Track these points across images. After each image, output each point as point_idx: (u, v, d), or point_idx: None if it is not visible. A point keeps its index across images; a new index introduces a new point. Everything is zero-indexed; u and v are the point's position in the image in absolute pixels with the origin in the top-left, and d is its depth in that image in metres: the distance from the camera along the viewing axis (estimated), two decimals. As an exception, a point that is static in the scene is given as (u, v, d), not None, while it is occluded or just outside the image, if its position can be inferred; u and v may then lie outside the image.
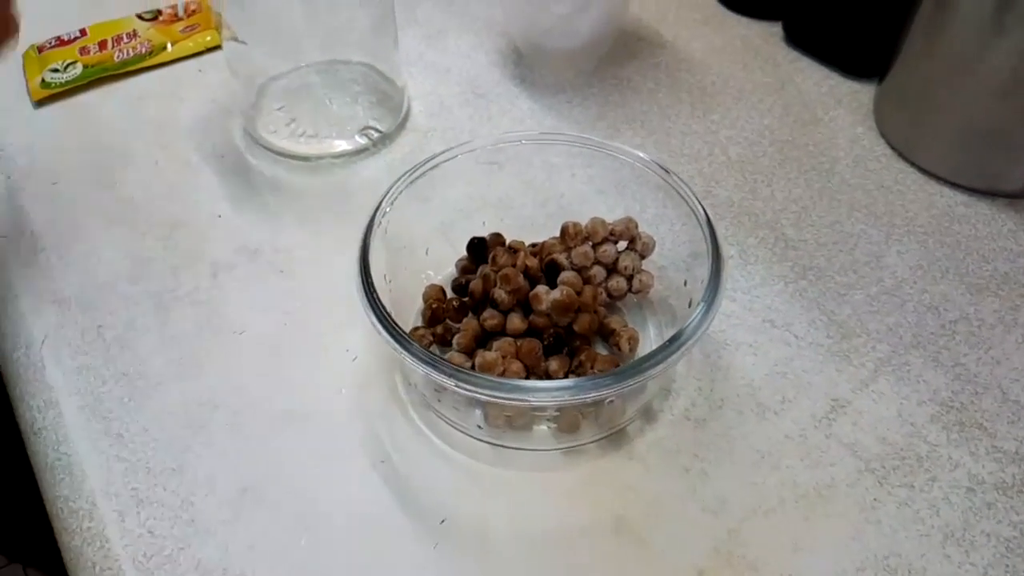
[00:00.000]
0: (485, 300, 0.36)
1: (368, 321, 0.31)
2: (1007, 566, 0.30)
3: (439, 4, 0.59)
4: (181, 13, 0.57)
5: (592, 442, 0.34)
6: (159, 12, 0.57)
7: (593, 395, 0.29)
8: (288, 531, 0.32)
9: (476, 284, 0.37)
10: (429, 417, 0.35)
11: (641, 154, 0.37)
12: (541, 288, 0.36)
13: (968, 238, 0.42)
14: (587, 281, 0.37)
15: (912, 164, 0.46)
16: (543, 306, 0.35)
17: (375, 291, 0.31)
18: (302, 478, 0.33)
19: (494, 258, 0.37)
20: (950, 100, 0.43)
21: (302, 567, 0.31)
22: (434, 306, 0.37)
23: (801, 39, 0.54)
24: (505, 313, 0.36)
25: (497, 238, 0.39)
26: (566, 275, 0.36)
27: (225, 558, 0.31)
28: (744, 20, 0.57)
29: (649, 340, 0.37)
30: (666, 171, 0.36)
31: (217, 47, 0.54)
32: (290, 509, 0.33)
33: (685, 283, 0.36)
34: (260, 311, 0.40)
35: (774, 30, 0.55)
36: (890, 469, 0.33)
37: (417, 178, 0.36)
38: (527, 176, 0.40)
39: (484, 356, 0.34)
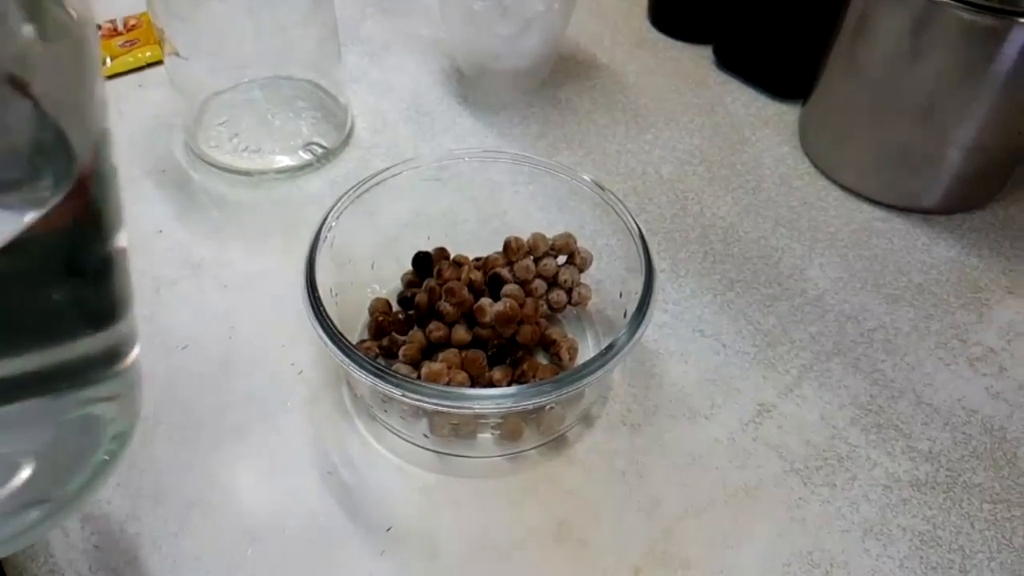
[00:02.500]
0: (430, 312, 0.37)
1: (314, 334, 0.32)
2: (921, 557, 0.32)
3: (383, 23, 0.60)
4: (120, 28, 0.57)
5: (534, 448, 0.35)
6: (97, 26, 0.56)
7: (534, 402, 0.30)
8: (235, 543, 0.32)
9: (421, 297, 0.38)
10: (375, 428, 0.36)
11: (579, 172, 0.38)
12: (485, 300, 0.37)
13: (885, 251, 0.45)
14: (529, 294, 0.38)
15: (834, 182, 0.49)
16: (487, 318, 0.36)
17: (322, 304, 0.32)
18: (249, 491, 0.34)
19: (439, 272, 0.38)
20: (868, 121, 0.46)
21: (248, 579, 0.31)
22: (380, 319, 0.37)
23: (730, 62, 0.56)
24: (450, 325, 0.37)
25: (442, 252, 0.40)
26: (509, 288, 0.38)
27: (173, 571, 0.31)
28: (677, 44, 0.59)
29: (588, 349, 0.39)
30: (602, 189, 0.37)
31: (158, 62, 0.54)
32: (237, 521, 0.33)
33: (620, 295, 0.37)
34: (204, 326, 0.40)
35: (705, 53, 0.58)
36: (813, 469, 0.35)
37: (362, 193, 0.37)
38: (471, 192, 0.42)
39: (430, 367, 0.35)
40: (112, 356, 0.25)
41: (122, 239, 0.26)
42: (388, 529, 0.33)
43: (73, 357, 0.24)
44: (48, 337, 0.22)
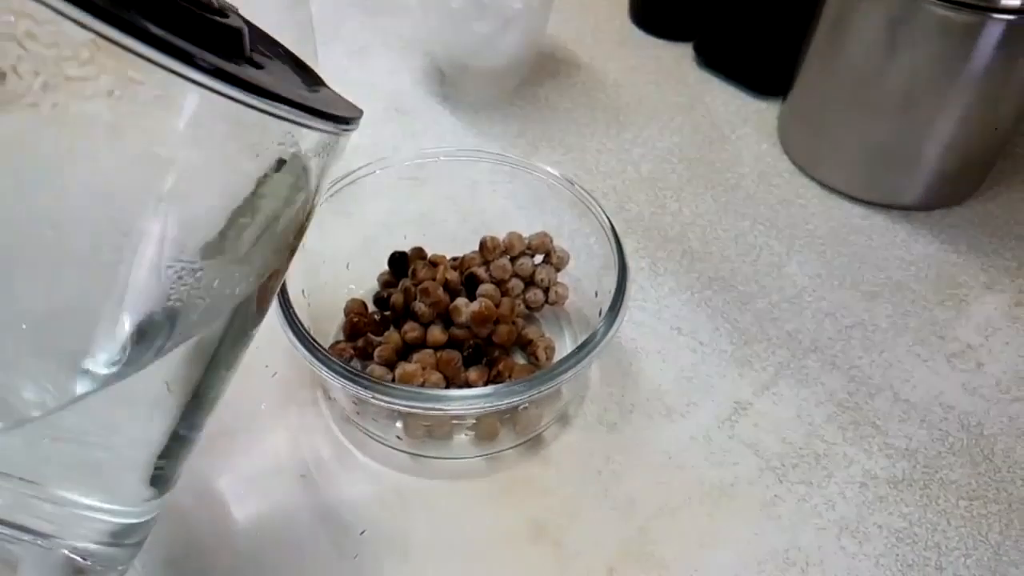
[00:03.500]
0: (406, 313, 0.37)
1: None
2: (897, 555, 0.32)
3: (363, 22, 0.60)
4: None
5: (510, 448, 0.35)
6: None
7: (508, 402, 0.30)
8: (209, 547, 0.32)
9: (397, 297, 0.38)
10: (350, 430, 0.36)
11: (555, 171, 0.38)
12: (461, 300, 0.37)
13: (864, 248, 0.45)
14: (505, 293, 0.38)
15: (813, 179, 0.49)
16: (462, 318, 0.36)
17: (292, 307, 0.32)
18: (221, 493, 0.33)
19: (415, 272, 0.38)
20: (846, 118, 0.46)
21: (221, 583, 0.31)
22: (355, 320, 0.37)
23: (711, 60, 0.56)
24: (425, 325, 0.37)
25: (418, 252, 0.40)
26: (485, 288, 0.37)
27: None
28: (657, 41, 0.59)
29: (566, 349, 0.38)
30: (572, 185, 0.37)
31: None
32: (210, 525, 0.32)
33: (596, 294, 0.37)
34: (180, 327, 0.39)
35: (686, 51, 0.58)
36: (789, 467, 0.35)
37: (335, 193, 0.37)
38: (448, 192, 0.41)
39: (404, 368, 0.35)
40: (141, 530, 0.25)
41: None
42: (362, 532, 0.32)
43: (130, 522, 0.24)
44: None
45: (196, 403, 0.24)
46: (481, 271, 0.38)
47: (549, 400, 0.35)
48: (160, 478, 0.25)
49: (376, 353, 0.36)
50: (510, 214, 0.42)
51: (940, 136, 0.44)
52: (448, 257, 0.40)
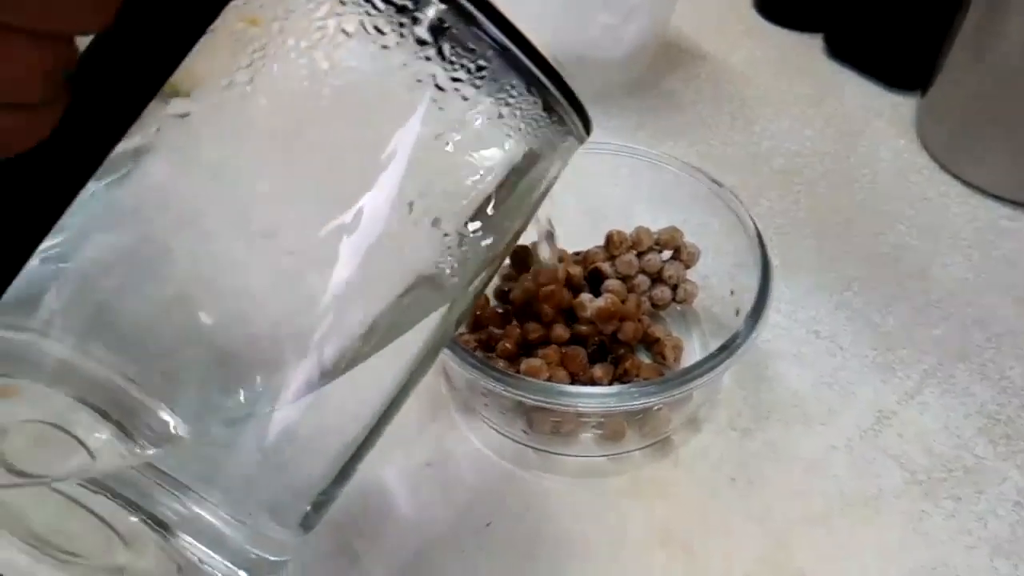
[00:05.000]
0: (526, 310, 0.37)
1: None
2: (1056, 581, 0.30)
3: (480, 14, 0.59)
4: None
5: (637, 450, 0.34)
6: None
7: (640, 403, 0.29)
8: (336, 535, 0.32)
9: (517, 294, 0.37)
10: (473, 421, 0.35)
11: (689, 164, 0.37)
12: (585, 296, 0.36)
13: (1014, 252, 0.42)
14: (631, 290, 0.37)
15: (955, 177, 0.46)
16: (587, 314, 0.35)
17: (425, 296, 0.32)
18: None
19: (536, 273, 0.37)
20: (996, 113, 0.43)
21: (348, 569, 0.31)
22: (478, 312, 0.37)
23: (842, 51, 0.54)
24: (548, 324, 0.36)
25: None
26: (610, 283, 0.37)
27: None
28: (784, 32, 0.57)
29: (692, 349, 0.37)
30: (715, 182, 0.36)
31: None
32: (337, 513, 0.33)
33: (732, 292, 0.36)
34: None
35: (815, 42, 0.55)
36: (937, 481, 0.33)
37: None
38: (570, 185, 0.40)
39: (529, 363, 0.34)
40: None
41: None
42: (487, 524, 0.32)
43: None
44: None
45: (385, 417, 0.25)
46: (606, 266, 0.37)
47: (680, 402, 0.34)
48: (312, 517, 0.25)
49: (498, 346, 0.36)
50: (633, 208, 0.41)
51: (1101, 132, 0.41)
52: (570, 252, 0.39)
